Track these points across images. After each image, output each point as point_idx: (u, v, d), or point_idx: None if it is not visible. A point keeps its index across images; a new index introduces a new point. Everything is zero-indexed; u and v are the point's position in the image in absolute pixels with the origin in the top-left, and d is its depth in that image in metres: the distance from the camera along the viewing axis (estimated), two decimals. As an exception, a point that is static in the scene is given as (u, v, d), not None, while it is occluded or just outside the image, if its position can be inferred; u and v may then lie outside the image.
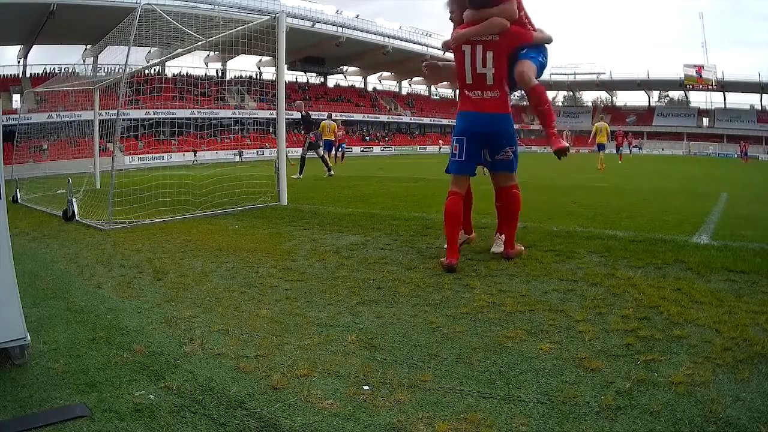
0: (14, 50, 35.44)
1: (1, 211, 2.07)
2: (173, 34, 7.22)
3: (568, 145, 3.47)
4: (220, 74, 44.82)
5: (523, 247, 3.72)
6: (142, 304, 2.81)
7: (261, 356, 2.10)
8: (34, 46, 34.65)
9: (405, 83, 61.81)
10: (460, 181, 3.64)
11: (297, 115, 12.98)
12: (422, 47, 52.11)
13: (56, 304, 2.84)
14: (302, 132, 12.25)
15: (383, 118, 53.95)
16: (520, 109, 71.02)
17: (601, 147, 16.68)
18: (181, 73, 33.76)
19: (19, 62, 35.47)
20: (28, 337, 2.11)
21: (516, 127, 4.06)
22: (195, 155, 30.70)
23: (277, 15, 7.19)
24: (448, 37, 3.67)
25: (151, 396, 1.79)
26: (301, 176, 11.44)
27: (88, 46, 35.37)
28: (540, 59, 3.52)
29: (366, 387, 1.84)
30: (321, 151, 12.37)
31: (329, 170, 12.22)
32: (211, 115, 36.05)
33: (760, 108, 57.57)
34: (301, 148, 12.45)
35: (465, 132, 3.55)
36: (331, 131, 17.45)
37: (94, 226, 5.58)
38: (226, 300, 2.85)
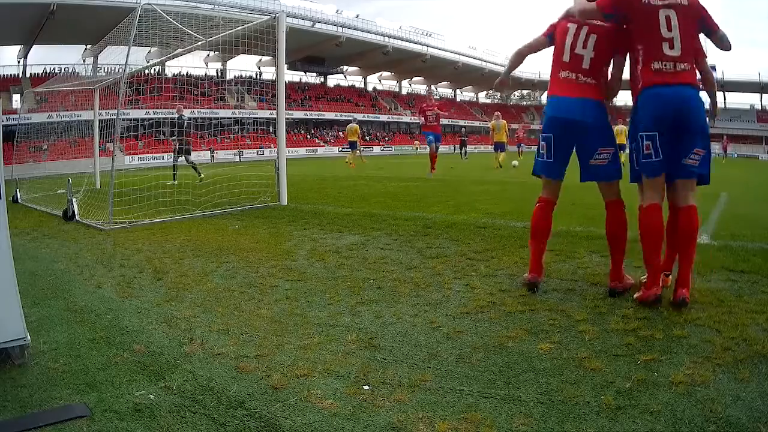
0: (14, 50, 35.44)
1: (1, 211, 2.07)
2: (173, 34, 7.22)
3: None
4: (220, 74, 44.79)
5: (632, 280, 2.94)
6: (142, 304, 2.81)
7: (261, 356, 2.10)
8: (34, 46, 34.59)
9: (405, 83, 61.75)
10: (553, 186, 3.03)
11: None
12: (422, 47, 52.10)
13: (56, 304, 2.84)
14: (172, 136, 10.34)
15: (383, 118, 53.88)
16: (520, 108, 71.19)
17: (622, 147, 17.56)
18: (181, 73, 33.78)
19: (19, 62, 35.43)
20: (28, 337, 2.11)
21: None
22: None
23: (277, 15, 7.20)
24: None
25: (151, 396, 1.80)
26: (176, 183, 9.25)
27: (88, 46, 35.33)
28: None
29: (366, 387, 1.84)
30: (191, 158, 11.07)
31: (199, 175, 10.31)
32: (211, 115, 36.04)
33: (760, 108, 57.54)
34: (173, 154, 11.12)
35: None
36: (353, 133, 18.57)
37: (94, 226, 5.58)
38: (226, 300, 2.85)
